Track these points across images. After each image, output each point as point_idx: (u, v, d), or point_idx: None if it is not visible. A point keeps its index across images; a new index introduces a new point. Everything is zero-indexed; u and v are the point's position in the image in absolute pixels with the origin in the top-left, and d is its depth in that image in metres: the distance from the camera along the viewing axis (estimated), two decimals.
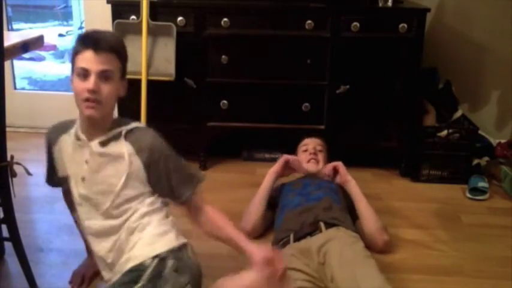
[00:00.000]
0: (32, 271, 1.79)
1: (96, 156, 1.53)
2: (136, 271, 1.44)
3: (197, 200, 1.64)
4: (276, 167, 2.28)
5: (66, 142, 1.59)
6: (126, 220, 1.53)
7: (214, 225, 1.62)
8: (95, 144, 1.53)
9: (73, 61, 1.50)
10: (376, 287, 1.61)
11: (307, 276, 1.72)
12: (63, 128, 1.62)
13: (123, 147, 1.53)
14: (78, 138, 1.56)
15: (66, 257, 2.01)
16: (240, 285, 1.43)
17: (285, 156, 2.31)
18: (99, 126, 1.53)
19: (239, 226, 2.18)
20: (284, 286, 1.48)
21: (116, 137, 1.54)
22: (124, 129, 1.55)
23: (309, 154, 2.34)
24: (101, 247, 1.54)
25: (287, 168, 2.31)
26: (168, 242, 1.53)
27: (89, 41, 1.48)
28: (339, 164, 2.23)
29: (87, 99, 1.46)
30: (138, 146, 1.54)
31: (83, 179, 1.55)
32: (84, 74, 1.46)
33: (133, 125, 1.59)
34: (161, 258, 1.47)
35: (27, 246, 1.81)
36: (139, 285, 1.40)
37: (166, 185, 1.58)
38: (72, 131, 1.58)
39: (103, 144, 1.53)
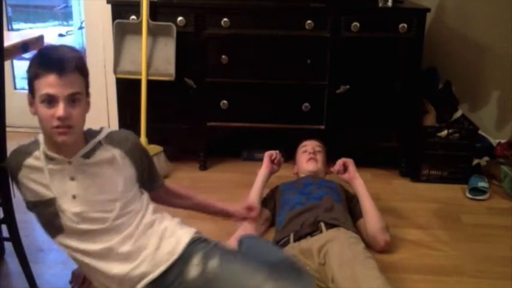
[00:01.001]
0: (32, 271, 1.79)
1: (85, 168, 1.47)
2: (198, 240, 1.55)
3: (167, 184, 1.76)
4: (263, 167, 2.31)
5: (34, 165, 1.47)
6: (142, 218, 1.54)
7: (193, 199, 1.80)
8: (77, 159, 1.46)
9: (32, 86, 1.37)
10: (376, 287, 1.61)
11: None
12: (24, 152, 1.49)
13: (111, 151, 1.51)
14: (50, 160, 1.46)
15: (66, 257, 1.97)
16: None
17: (268, 152, 2.34)
18: (76, 143, 1.46)
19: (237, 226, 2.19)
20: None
21: (97, 146, 1.50)
22: (101, 135, 1.52)
23: (308, 154, 2.38)
24: (113, 241, 1.49)
25: (273, 163, 2.33)
26: (189, 227, 1.62)
27: (50, 63, 1.36)
28: (349, 161, 2.24)
29: (57, 127, 1.37)
30: (124, 148, 1.53)
31: (74, 196, 1.47)
32: (50, 100, 1.35)
33: (106, 130, 1.56)
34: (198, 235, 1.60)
35: (27, 246, 1.81)
36: (212, 244, 1.56)
37: (149, 176, 1.64)
38: (37, 153, 1.47)
39: (87, 156, 1.48)
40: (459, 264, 2.05)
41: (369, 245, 1.98)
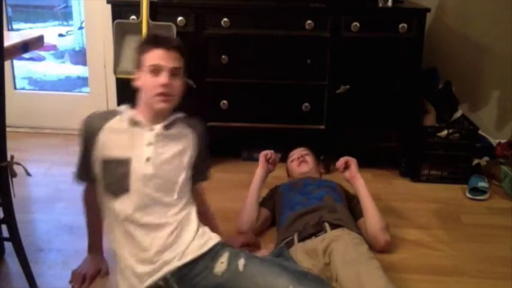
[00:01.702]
0: (32, 271, 1.79)
1: (163, 137, 1.67)
2: (225, 244, 1.67)
3: (202, 190, 1.91)
4: (259, 167, 2.31)
5: (117, 127, 1.65)
6: (191, 210, 1.69)
7: (206, 220, 1.82)
8: (159, 127, 1.66)
9: (141, 60, 1.63)
10: (379, 287, 1.61)
11: None
12: (104, 117, 1.68)
13: (186, 130, 1.74)
14: (134, 124, 1.65)
15: (66, 257, 2.01)
16: None
17: (263, 153, 2.34)
18: (162, 115, 1.68)
19: (237, 226, 2.19)
20: None
21: (174, 122, 1.71)
22: (181, 115, 1.74)
23: (297, 159, 2.45)
24: (164, 220, 1.61)
25: (269, 162, 2.33)
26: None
27: (159, 40, 1.63)
28: (352, 160, 2.24)
29: (161, 94, 1.60)
30: (196, 131, 1.76)
31: (148, 159, 1.63)
32: (156, 70, 1.59)
33: (182, 114, 1.76)
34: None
35: (27, 246, 1.81)
36: (239, 249, 1.67)
37: (201, 164, 1.78)
38: (118, 117, 1.67)
39: (166, 127, 1.68)
40: (459, 264, 2.05)
41: (369, 245, 1.97)
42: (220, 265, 1.55)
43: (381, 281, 1.63)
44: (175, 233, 1.61)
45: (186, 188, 1.71)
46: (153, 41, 1.64)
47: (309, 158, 2.46)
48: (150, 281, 1.55)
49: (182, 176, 1.69)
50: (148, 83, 1.61)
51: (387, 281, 1.64)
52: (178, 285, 1.56)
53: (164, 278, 1.56)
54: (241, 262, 1.55)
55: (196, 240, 1.62)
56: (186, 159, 1.71)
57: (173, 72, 1.61)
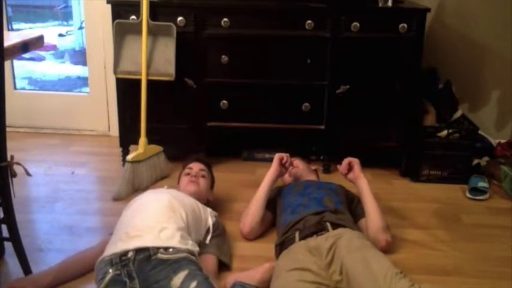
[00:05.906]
0: (32, 271, 1.79)
1: None
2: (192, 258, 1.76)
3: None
4: (272, 169, 2.29)
5: None
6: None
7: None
8: None
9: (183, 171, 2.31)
10: (387, 267, 1.64)
11: (315, 277, 1.71)
12: None
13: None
14: None
15: (65, 257, 2.01)
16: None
17: (278, 155, 2.33)
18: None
19: (238, 227, 2.19)
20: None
21: None
22: None
23: (289, 164, 2.38)
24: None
25: (283, 166, 2.33)
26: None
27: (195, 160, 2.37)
28: (354, 161, 2.24)
29: (189, 181, 2.20)
30: None
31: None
32: (188, 172, 2.26)
33: None
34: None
35: (27, 246, 1.81)
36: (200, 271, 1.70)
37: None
38: None
39: None
40: (459, 264, 2.05)
41: None
42: (177, 280, 1.59)
43: (387, 263, 1.67)
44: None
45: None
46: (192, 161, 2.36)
47: (297, 162, 2.45)
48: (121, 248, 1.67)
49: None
50: (183, 180, 2.25)
51: (391, 263, 1.68)
52: (140, 284, 1.61)
53: (129, 274, 1.61)
54: (192, 285, 1.58)
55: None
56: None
57: (199, 174, 2.26)
